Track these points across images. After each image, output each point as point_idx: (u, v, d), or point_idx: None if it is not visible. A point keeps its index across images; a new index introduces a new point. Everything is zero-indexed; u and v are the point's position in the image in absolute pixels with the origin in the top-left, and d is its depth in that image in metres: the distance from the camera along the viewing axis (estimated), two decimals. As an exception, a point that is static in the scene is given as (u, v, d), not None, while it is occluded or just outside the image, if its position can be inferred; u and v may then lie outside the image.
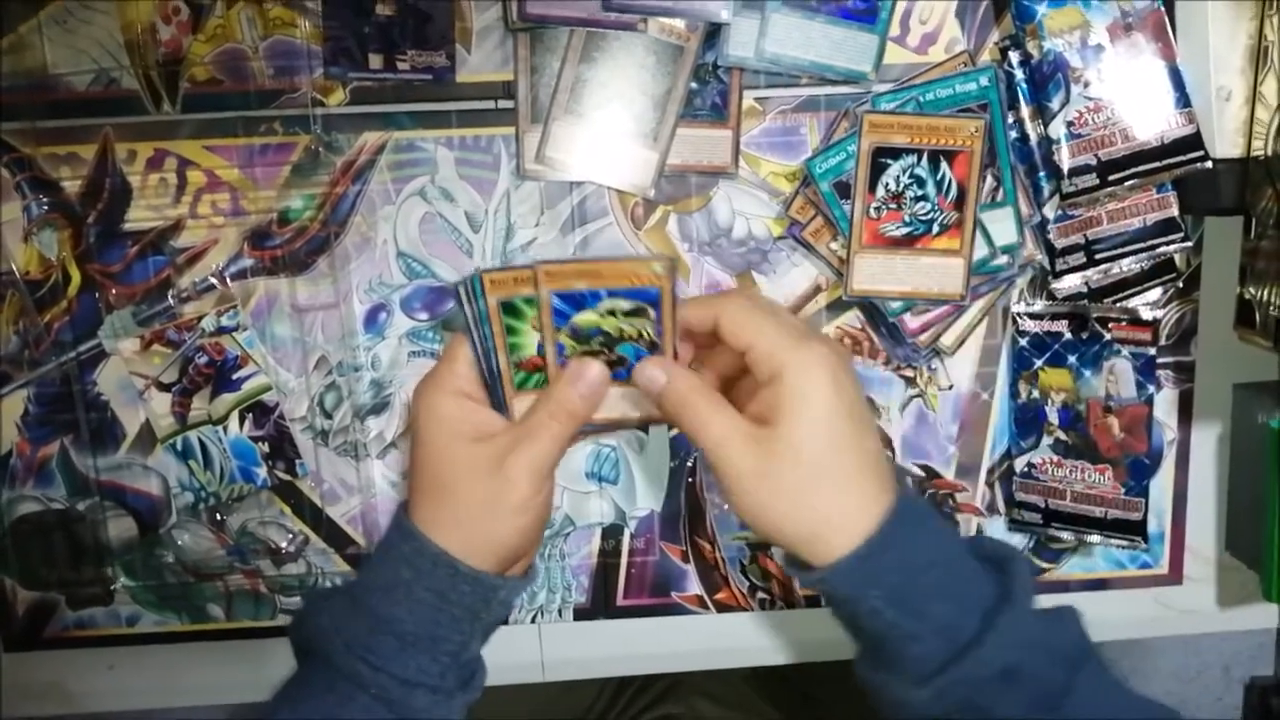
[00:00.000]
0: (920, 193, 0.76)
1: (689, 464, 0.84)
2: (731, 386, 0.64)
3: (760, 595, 0.86)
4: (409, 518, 0.63)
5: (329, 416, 0.82)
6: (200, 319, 0.80)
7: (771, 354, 0.58)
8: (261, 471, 0.82)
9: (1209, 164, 0.74)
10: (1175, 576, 0.87)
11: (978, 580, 0.59)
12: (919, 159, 0.75)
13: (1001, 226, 0.78)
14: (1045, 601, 0.60)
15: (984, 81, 0.75)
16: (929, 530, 0.59)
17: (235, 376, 0.81)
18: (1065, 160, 0.75)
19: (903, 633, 0.57)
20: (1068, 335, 0.80)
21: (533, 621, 0.86)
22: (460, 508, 0.62)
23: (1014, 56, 0.76)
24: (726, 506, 0.58)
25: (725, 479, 0.59)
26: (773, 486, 0.58)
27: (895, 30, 0.78)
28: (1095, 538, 0.82)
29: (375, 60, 0.77)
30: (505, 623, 0.85)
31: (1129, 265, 0.79)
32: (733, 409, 0.60)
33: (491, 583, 0.63)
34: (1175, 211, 0.77)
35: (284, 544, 0.84)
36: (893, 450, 0.83)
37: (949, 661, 0.56)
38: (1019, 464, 0.83)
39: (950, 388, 0.83)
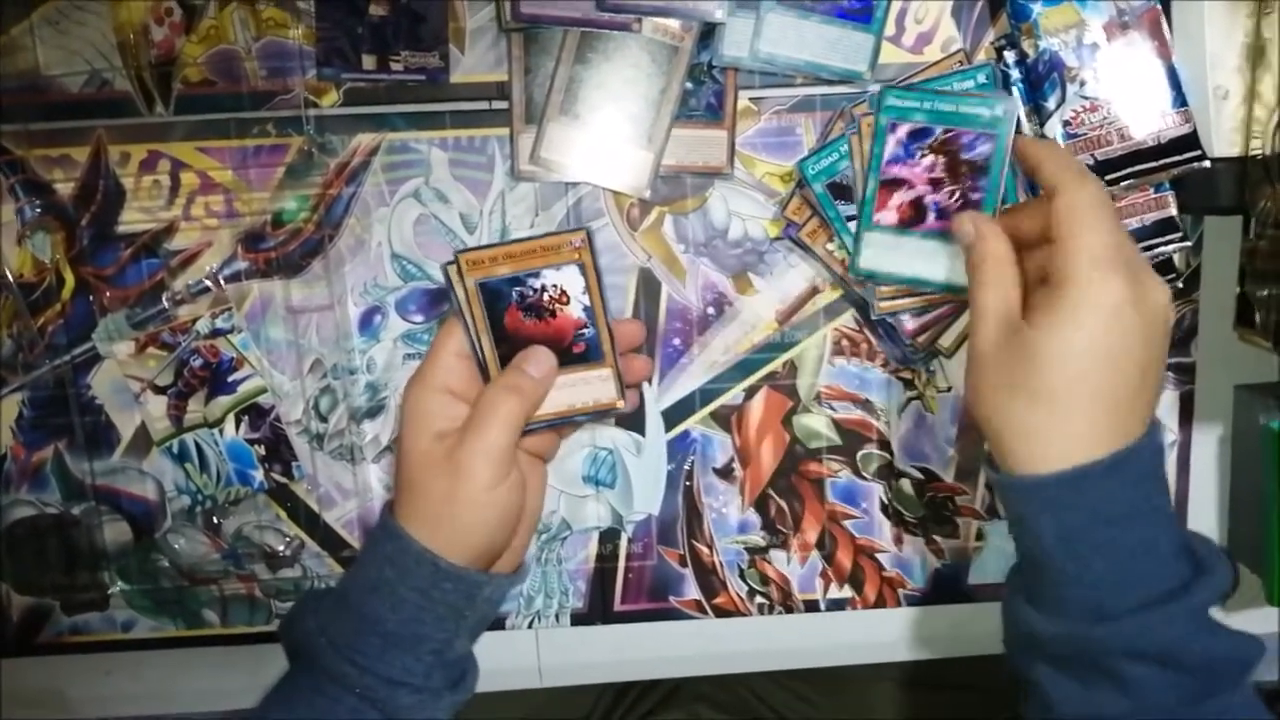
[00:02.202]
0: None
1: (686, 467, 0.83)
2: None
3: (759, 600, 0.85)
4: (393, 516, 0.64)
5: (324, 420, 0.82)
6: (195, 322, 0.80)
7: (1070, 261, 0.57)
8: (258, 474, 0.82)
9: (1207, 163, 0.74)
10: (1177, 580, 0.86)
11: (1160, 565, 0.57)
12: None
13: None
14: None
15: (981, 79, 0.75)
16: (1138, 493, 0.57)
17: (231, 379, 0.81)
18: (1062, 159, 0.74)
19: (1054, 570, 0.57)
20: (1067, 336, 0.79)
21: (530, 627, 0.86)
22: (428, 504, 0.63)
23: (1010, 56, 0.76)
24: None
25: (970, 348, 0.60)
26: (998, 379, 0.58)
27: (891, 30, 0.77)
28: (1096, 540, 0.82)
29: (368, 61, 0.77)
30: (501, 625, 0.85)
31: (1128, 265, 0.78)
32: (1016, 291, 0.60)
33: (474, 579, 0.63)
34: (1173, 211, 0.77)
35: (280, 548, 0.84)
36: (891, 452, 0.83)
37: (1086, 620, 0.56)
38: (1018, 466, 0.82)
39: (949, 390, 0.83)
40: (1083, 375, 0.56)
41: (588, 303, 0.65)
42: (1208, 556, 0.59)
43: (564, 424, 0.68)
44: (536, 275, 0.64)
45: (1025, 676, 0.61)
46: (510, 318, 0.65)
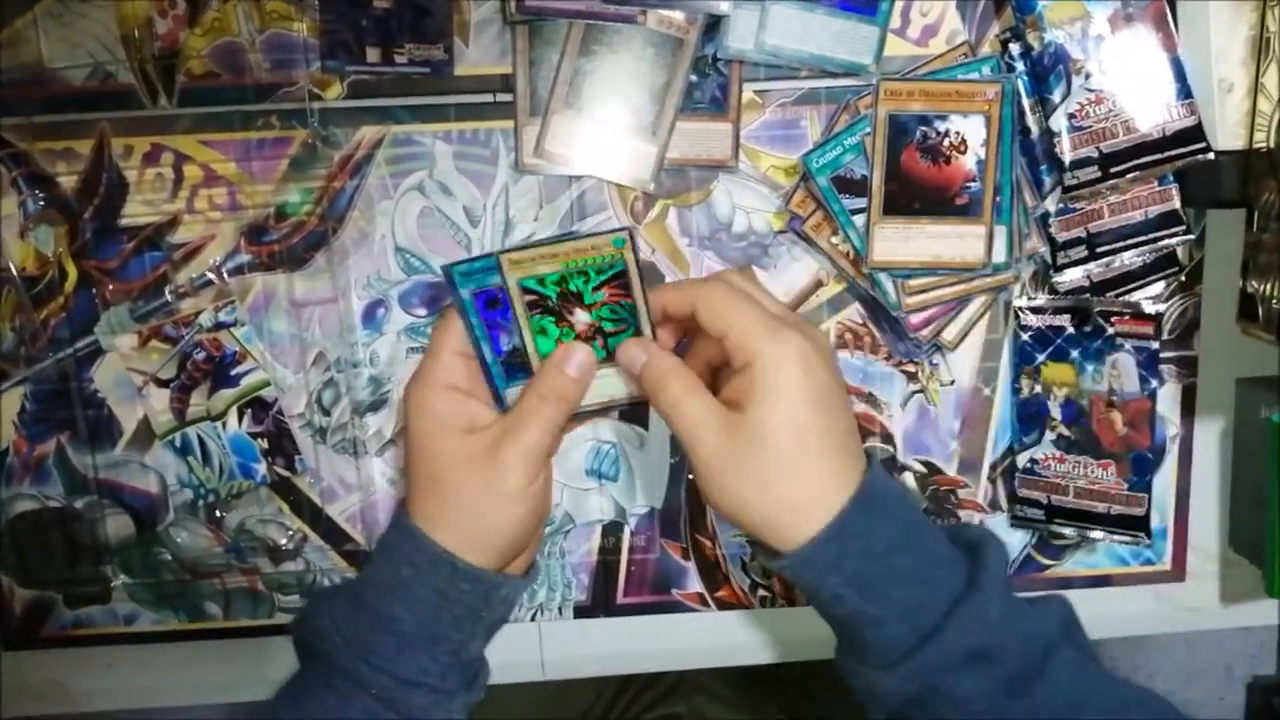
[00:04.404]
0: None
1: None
2: (717, 373, 0.65)
3: (761, 592, 0.85)
4: (408, 516, 0.63)
5: (327, 413, 0.82)
6: (198, 315, 0.80)
7: (745, 340, 0.59)
8: (261, 467, 0.82)
9: (1211, 156, 0.74)
10: (1178, 573, 0.86)
11: (947, 565, 0.59)
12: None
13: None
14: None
15: (986, 72, 0.75)
16: (894, 515, 0.60)
17: (234, 372, 0.81)
18: (1066, 153, 0.74)
19: (866, 618, 0.58)
20: (1070, 329, 0.80)
21: (532, 620, 0.86)
22: (456, 500, 0.63)
23: (1014, 49, 0.76)
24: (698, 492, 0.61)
25: (696, 462, 0.60)
26: (740, 471, 0.59)
27: (896, 22, 0.77)
28: (1098, 534, 0.82)
29: (372, 54, 0.77)
30: (506, 621, 0.85)
31: (1131, 259, 0.78)
32: (708, 394, 0.61)
33: (492, 580, 0.63)
34: (1177, 204, 0.77)
35: (282, 541, 0.84)
36: (894, 445, 0.83)
37: (914, 647, 0.57)
38: (1021, 460, 0.82)
39: (952, 383, 0.83)
40: (803, 431, 0.58)
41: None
42: (974, 537, 0.61)
43: (603, 413, 0.69)
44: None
45: None
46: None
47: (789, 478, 0.58)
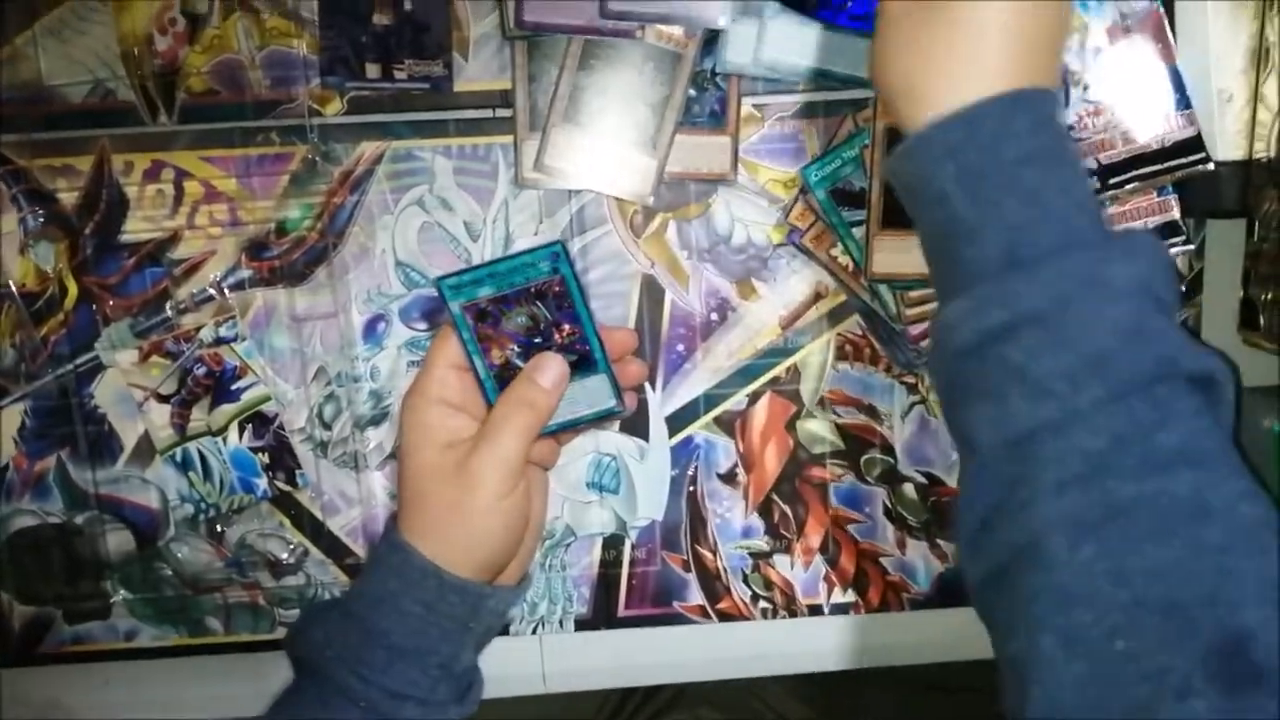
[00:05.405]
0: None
1: (690, 473, 0.83)
2: None
3: (763, 604, 0.85)
4: (397, 529, 0.63)
5: (328, 428, 0.82)
6: (198, 330, 0.80)
7: None
8: (261, 482, 0.82)
9: (1211, 166, 0.74)
10: (1181, 583, 0.86)
11: (1083, 213, 0.49)
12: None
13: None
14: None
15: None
16: (1044, 134, 0.49)
17: (234, 387, 0.81)
18: (1066, 164, 0.74)
19: (964, 229, 0.49)
20: (1070, 340, 0.79)
21: (534, 633, 0.86)
22: (436, 514, 0.63)
23: (1013, 61, 0.76)
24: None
25: (879, 13, 0.54)
26: (908, 32, 0.51)
27: (894, 35, 0.77)
28: (1100, 544, 0.82)
29: (372, 70, 0.77)
30: (505, 633, 0.85)
31: (1131, 269, 0.78)
32: None
33: (479, 592, 0.63)
34: (1177, 215, 0.77)
35: (283, 556, 0.84)
36: (895, 457, 0.83)
37: (1005, 271, 0.48)
38: (1022, 470, 0.82)
39: (952, 394, 0.82)
40: (999, 6, 0.50)
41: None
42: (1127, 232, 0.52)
43: (565, 429, 0.68)
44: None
45: (951, 431, 0.53)
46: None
47: (954, 35, 0.50)
